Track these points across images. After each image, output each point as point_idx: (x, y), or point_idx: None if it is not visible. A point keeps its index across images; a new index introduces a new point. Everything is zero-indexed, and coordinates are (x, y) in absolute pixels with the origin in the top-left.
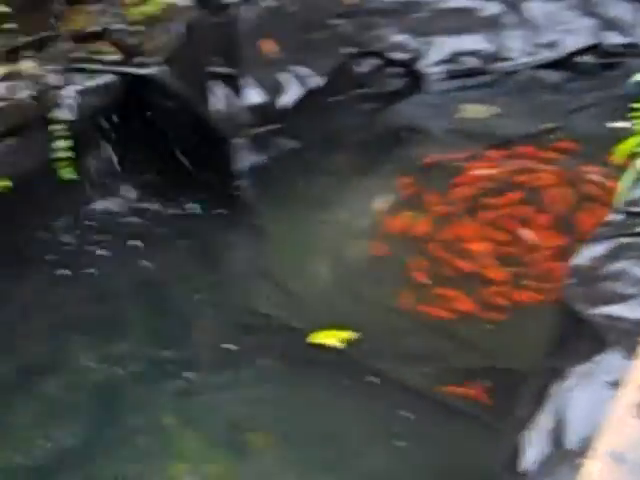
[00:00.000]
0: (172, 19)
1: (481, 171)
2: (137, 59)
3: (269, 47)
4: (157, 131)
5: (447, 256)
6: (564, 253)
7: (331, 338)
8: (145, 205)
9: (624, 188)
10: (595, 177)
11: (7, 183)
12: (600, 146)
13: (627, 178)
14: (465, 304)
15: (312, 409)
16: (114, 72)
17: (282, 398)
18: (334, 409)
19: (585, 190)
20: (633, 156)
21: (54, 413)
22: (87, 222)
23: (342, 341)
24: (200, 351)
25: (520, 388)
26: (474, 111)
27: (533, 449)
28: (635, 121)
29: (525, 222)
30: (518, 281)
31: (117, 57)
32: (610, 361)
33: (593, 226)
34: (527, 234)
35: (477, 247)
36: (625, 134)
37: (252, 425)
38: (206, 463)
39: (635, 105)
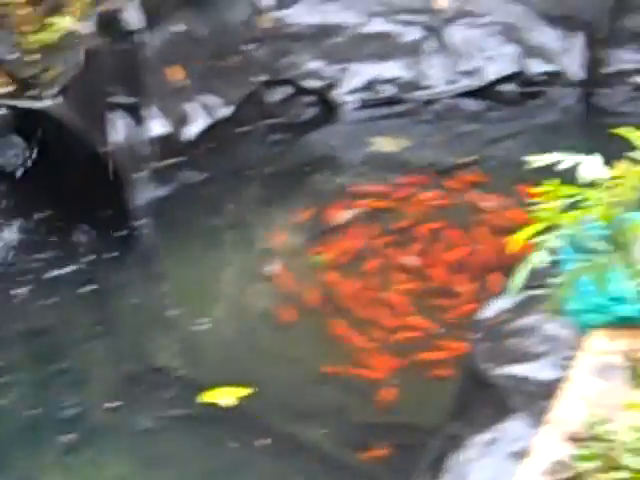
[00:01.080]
0: (71, 47)
1: (381, 203)
2: (32, 91)
3: (176, 75)
4: (51, 167)
5: (355, 304)
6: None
7: (225, 396)
8: (35, 246)
9: (517, 284)
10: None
11: None
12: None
13: (521, 274)
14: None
15: (201, 470)
16: (5, 105)
17: (169, 459)
18: (225, 469)
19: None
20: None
21: None
22: None
23: (238, 398)
24: (87, 407)
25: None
26: (384, 144)
27: None
28: (537, 206)
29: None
30: (437, 330)
31: (10, 89)
32: (514, 430)
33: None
34: (441, 275)
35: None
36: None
37: None
38: None
39: (535, 189)
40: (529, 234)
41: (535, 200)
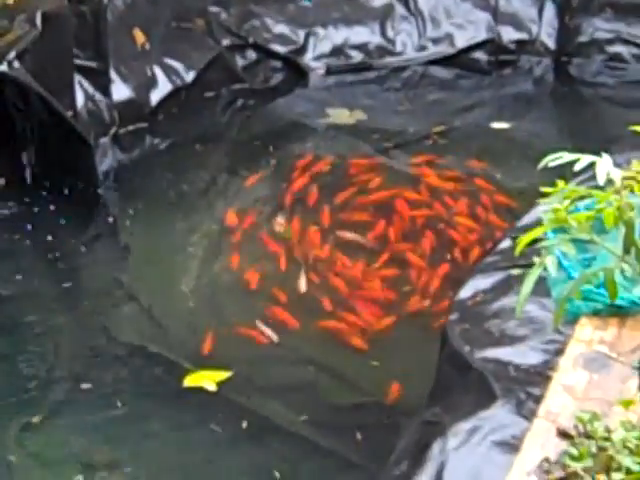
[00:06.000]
0: (30, 9)
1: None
2: None
3: (139, 39)
4: (11, 132)
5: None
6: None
7: (206, 379)
8: None
9: (524, 296)
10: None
11: None
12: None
13: (527, 286)
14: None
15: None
16: None
17: (139, 438)
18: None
19: None
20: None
21: None
22: None
23: (217, 382)
24: (53, 385)
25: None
26: (339, 116)
27: None
28: (542, 206)
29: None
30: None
31: None
32: (497, 418)
33: None
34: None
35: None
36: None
37: (105, 464)
38: None
39: (546, 189)
40: (536, 235)
41: (545, 200)
